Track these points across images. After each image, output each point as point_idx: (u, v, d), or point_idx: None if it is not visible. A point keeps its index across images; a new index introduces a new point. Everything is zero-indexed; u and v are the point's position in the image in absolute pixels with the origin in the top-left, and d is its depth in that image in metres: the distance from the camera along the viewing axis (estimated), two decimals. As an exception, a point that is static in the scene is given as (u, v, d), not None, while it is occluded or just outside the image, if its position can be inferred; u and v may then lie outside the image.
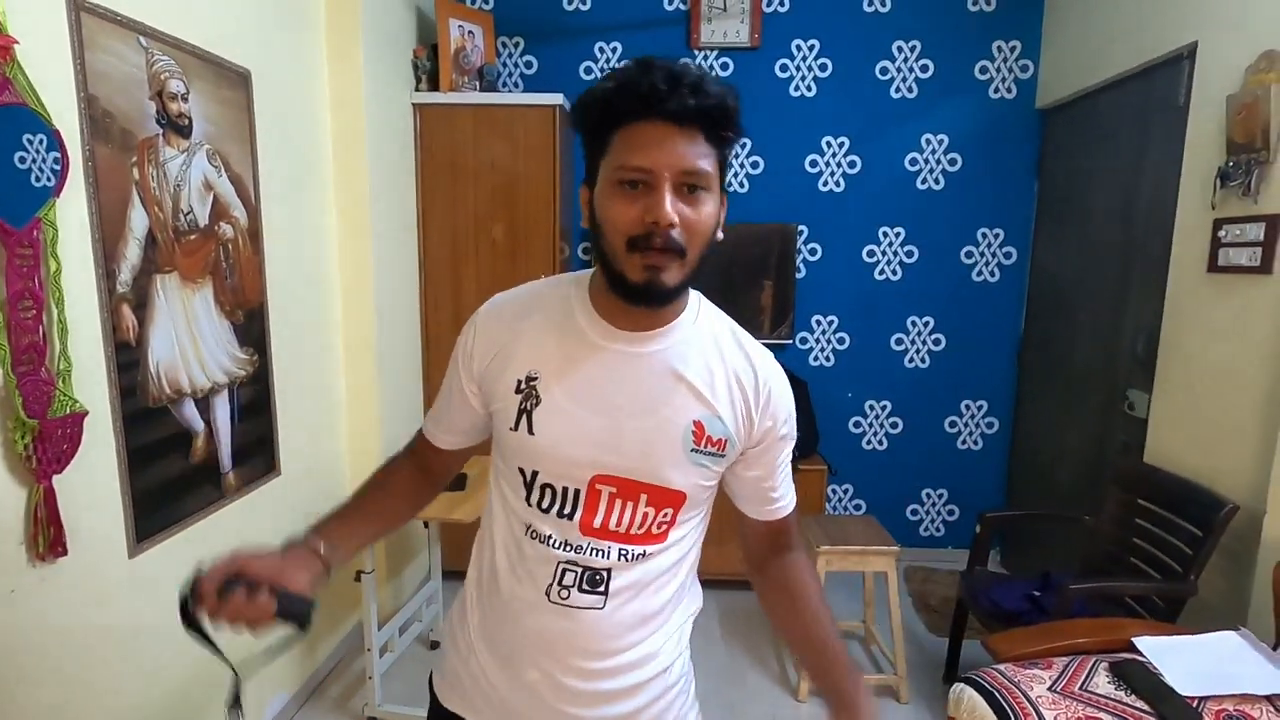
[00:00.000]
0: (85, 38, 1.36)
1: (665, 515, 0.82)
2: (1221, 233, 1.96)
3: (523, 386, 0.80)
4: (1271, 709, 1.41)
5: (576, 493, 0.79)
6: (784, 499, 0.92)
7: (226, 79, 1.81)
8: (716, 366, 0.83)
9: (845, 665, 0.90)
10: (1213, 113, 2.00)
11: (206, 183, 1.75)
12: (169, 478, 1.64)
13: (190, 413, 1.71)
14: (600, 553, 0.80)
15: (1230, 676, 1.47)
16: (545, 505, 0.81)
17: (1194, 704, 1.42)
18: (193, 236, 1.70)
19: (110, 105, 1.43)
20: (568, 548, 0.80)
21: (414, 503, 0.97)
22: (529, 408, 0.80)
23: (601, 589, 0.81)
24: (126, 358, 1.49)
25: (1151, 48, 2.30)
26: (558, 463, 0.79)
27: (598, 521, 0.80)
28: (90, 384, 1.39)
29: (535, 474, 0.81)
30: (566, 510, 0.80)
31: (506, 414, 0.81)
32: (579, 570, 0.80)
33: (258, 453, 1.99)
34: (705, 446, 0.81)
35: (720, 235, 0.79)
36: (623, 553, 0.81)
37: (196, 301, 1.72)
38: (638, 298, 0.76)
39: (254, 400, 1.96)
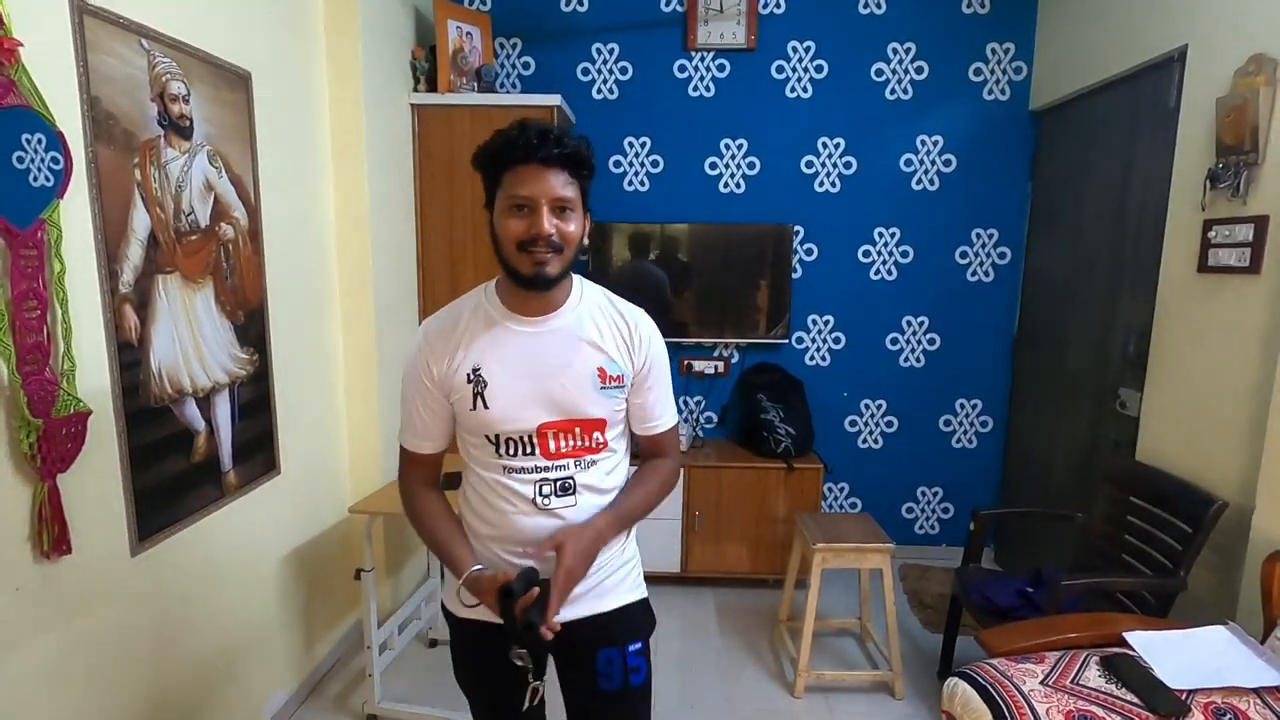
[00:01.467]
0: (88, 40, 1.37)
1: (597, 435, 1.15)
2: (1211, 233, 1.98)
3: (471, 377, 1.11)
4: (1259, 701, 1.43)
5: (530, 436, 1.11)
6: (660, 420, 1.24)
7: (227, 80, 1.82)
8: (603, 324, 1.16)
9: (600, 518, 1.13)
10: (1202, 115, 2.03)
11: (207, 183, 1.76)
12: (170, 477, 1.65)
13: (191, 412, 1.72)
14: (562, 467, 1.13)
15: (1219, 670, 1.49)
16: (512, 451, 1.12)
17: (1183, 696, 1.44)
18: (194, 237, 1.71)
19: (113, 107, 1.44)
20: (538, 470, 1.12)
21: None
22: (480, 390, 1.10)
23: (571, 492, 1.14)
24: (129, 357, 1.50)
25: (1142, 51, 2.33)
26: (510, 423, 1.11)
27: (553, 448, 1.12)
28: (93, 384, 1.40)
29: (498, 435, 1.12)
30: (528, 450, 1.12)
31: (465, 400, 1.11)
32: (552, 483, 1.13)
33: (258, 452, 2.00)
34: (609, 384, 1.14)
35: (586, 241, 1.13)
36: (577, 463, 1.14)
37: (198, 301, 1.73)
38: (529, 285, 1.08)
39: (254, 399, 1.97)
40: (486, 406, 1.09)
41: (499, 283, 1.15)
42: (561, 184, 1.04)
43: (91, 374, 1.40)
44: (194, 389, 1.72)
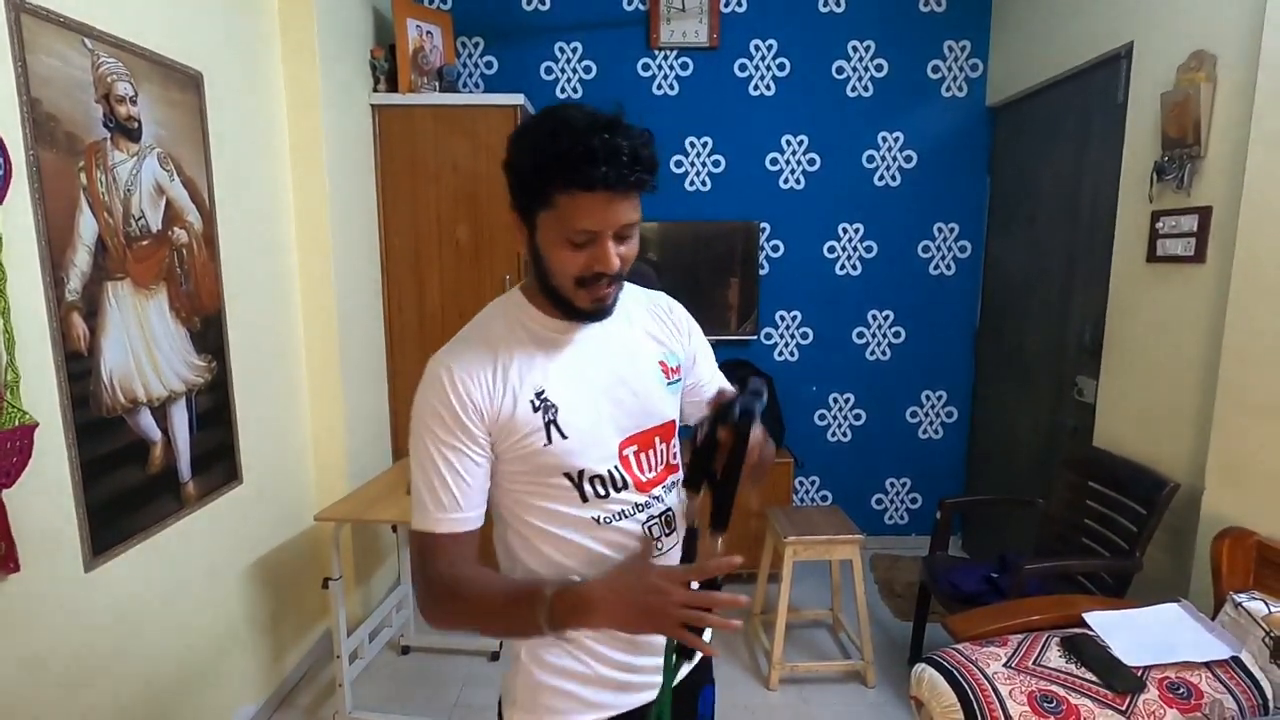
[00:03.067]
0: (26, 39, 1.33)
1: (673, 443, 0.97)
2: (1159, 224, 2.05)
3: (538, 404, 0.86)
4: (1211, 675, 1.49)
5: (616, 467, 0.89)
6: (715, 380, 1.09)
7: (177, 81, 1.78)
8: (645, 313, 1.00)
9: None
10: (1148, 109, 2.09)
11: (158, 187, 1.71)
12: (126, 489, 1.60)
13: (146, 422, 1.67)
14: (660, 498, 0.93)
15: (1172, 646, 1.55)
16: (602, 492, 0.89)
17: (1139, 673, 1.49)
18: (145, 242, 1.67)
19: (54, 109, 1.40)
20: (640, 509, 0.91)
21: None
22: (552, 417, 0.87)
23: (673, 525, 0.95)
24: (78, 367, 1.46)
25: (1091, 48, 2.39)
26: (594, 447, 0.88)
27: (644, 476, 0.92)
28: (40, 395, 1.36)
29: (582, 472, 0.87)
30: (619, 485, 0.89)
31: (534, 435, 0.86)
32: (659, 520, 0.93)
33: (218, 461, 1.95)
34: (671, 377, 0.98)
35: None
36: (666, 488, 0.94)
37: (151, 308, 1.69)
38: (586, 319, 0.89)
39: (213, 408, 1.93)
40: (565, 436, 0.86)
41: (527, 290, 0.92)
42: (629, 208, 0.81)
43: (38, 385, 1.35)
44: (149, 398, 1.67)
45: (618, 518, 0.90)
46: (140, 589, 1.65)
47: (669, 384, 0.97)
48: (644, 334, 0.97)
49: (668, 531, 0.93)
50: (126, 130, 1.61)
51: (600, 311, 0.87)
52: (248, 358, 2.07)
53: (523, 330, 0.90)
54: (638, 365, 0.94)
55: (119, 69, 1.58)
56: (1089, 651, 1.55)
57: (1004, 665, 1.54)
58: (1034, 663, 1.55)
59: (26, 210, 1.34)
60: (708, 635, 0.86)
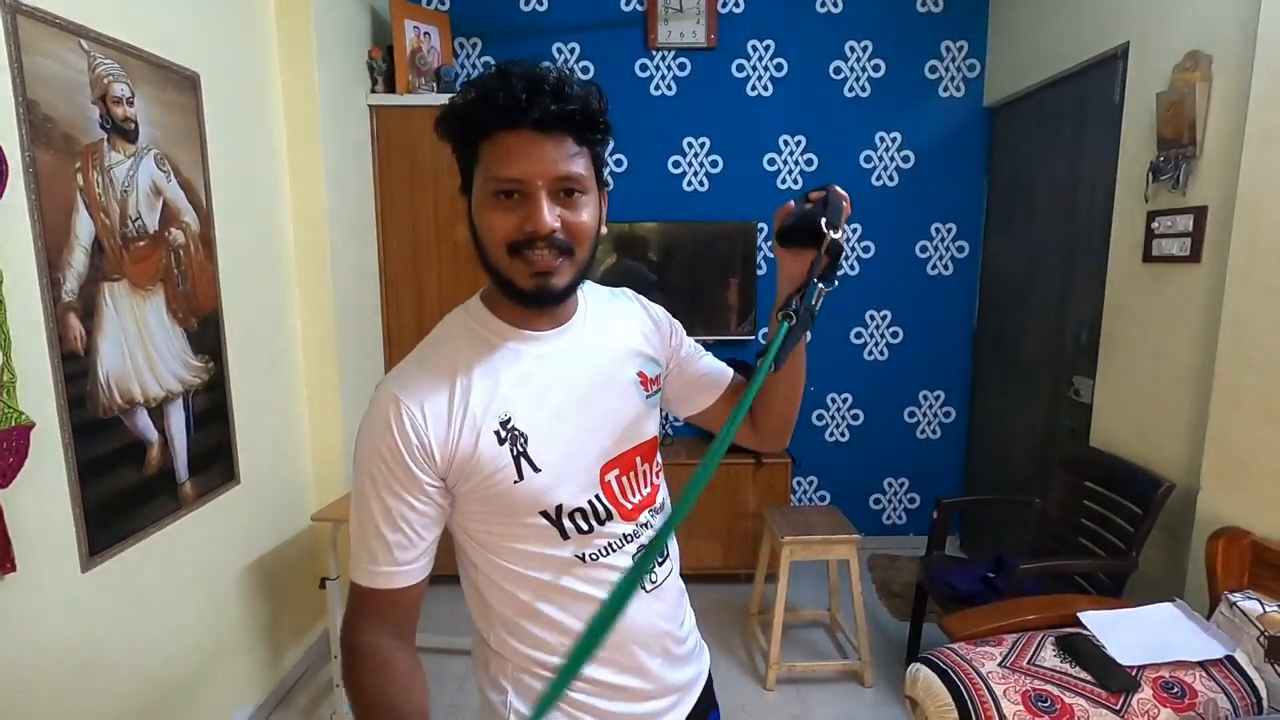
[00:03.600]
0: (22, 41, 1.33)
1: (655, 462, 0.88)
2: (1155, 224, 2.05)
3: (504, 435, 0.75)
4: (1204, 674, 1.49)
5: (597, 496, 0.79)
6: (724, 367, 1.00)
7: (174, 82, 1.78)
8: (619, 317, 0.89)
9: None
10: (1144, 109, 2.09)
11: (155, 188, 1.72)
12: (122, 489, 1.61)
13: (143, 422, 1.68)
14: (648, 524, 0.84)
15: (1167, 646, 1.55)
16: (585, 527, 0.78)
17: (1133, 672, 1.49)
18: (142, 243, 1.67)
19: (51, 110, 1.40)
20: (629, 540, 0.81)
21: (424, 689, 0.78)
22: (521, 449, 0.75)
23: (666, 553, 0.86)
24: (75, 368, 1.46)
25: (1087, 48, 2.40)
26: (571, 479, 0.78)
27: (629, 502, 0.82)
28: (37, 395, 1.36)
29: (559, 507, 0.77)
30: (602, 516, 0.79)
31: (504, 472, 0.75)
32: (647, 549, 0.83)
33: (216, 461, 1.96)
34: (651, 389, 0.88)
35: (604, 230, 0.80)
36: (652, 512, 0.85)
37: (148, 309, 1.69)
38: (530, 302, 0.76)
39: (210, 408, 1.93)
40: (537, 469, 0.75)
41: (485, 296, 0.82)
42: (566, 156, 0.71)
43: (34, 386, 1.36)
44: (145, 399, 1.68)
45: (604, 553, 0.79)
46: (137, 589, 1.65)
47: (648, 397, 0.87)
48: (621, 342, 0.86)
49: (660, 560, 0.85)
50: (123, 131, 1.61)
51: (546, 292, 0.74)
52: (245, 358, 2.08)
53: (483, 344, 0.78)
54: (615, 379, 0.83)
55: (116, 70, 1.58)
56: (1084, 651, 1.55)
57: (998, 665, 1.55)
58: (1028, 662, 1.55)
59: (23, 211, 1.34)
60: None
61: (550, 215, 0.71)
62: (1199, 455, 1.86)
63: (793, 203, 0.83)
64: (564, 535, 0.78)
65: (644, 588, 0.83)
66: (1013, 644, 1.61)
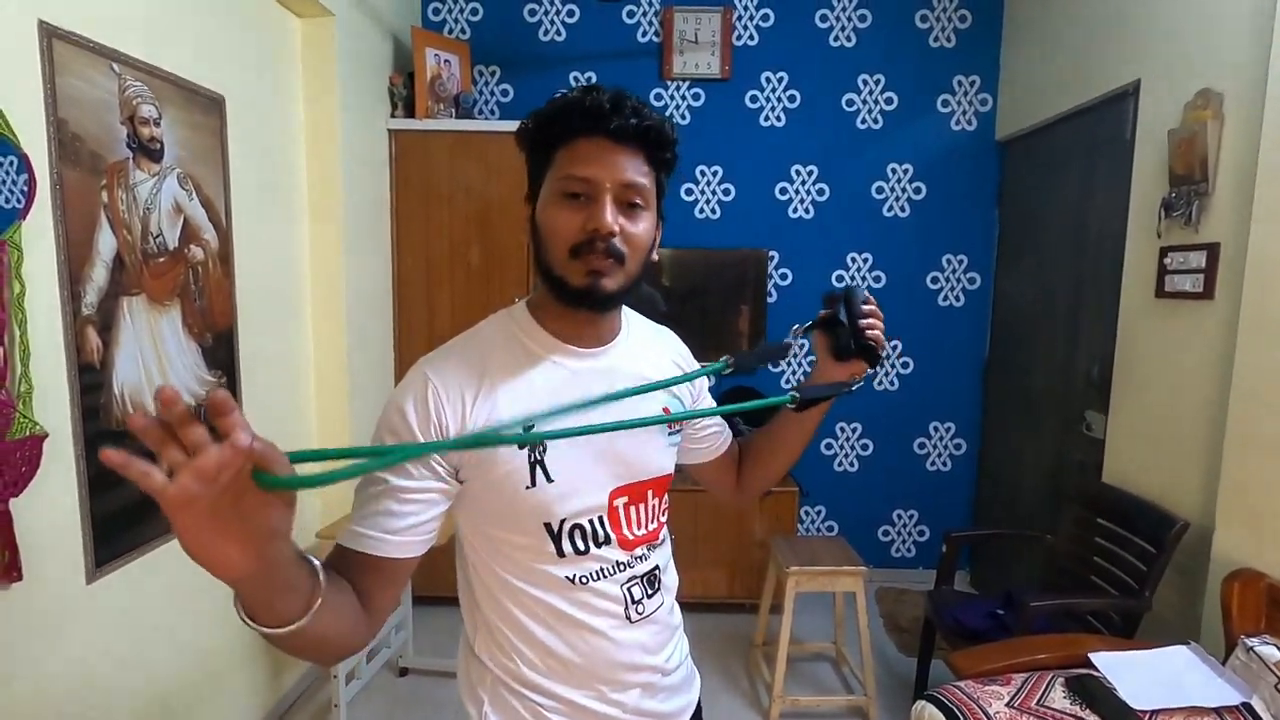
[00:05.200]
0: (57, 63, 1.38)
1: (664, 499, 0.90)
2: (1167, 260, 2.04)
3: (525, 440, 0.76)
4: (1220, 721, 1.45)
5: (600, 519, 0.81)
6: (727, 431, 1.05)
7: (200, 104, 1.83)
8: (659, 352, 0.92)
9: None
10: (1156, 146, 2.10)
11: (177, 206, 1.76)
12: (131, 502, 1.62)
13: (155, 435, 1.69)
14: (644, 557, 0.85)
15: (1181, 690, 1.51)
16: (581, 547, 0.80)
17: (1146, 717, 1.45)
18: (161, 259, 1.71)
19: (80, 129, 1.45)
20: (621, 568, 0.83)
21: (349, 628, 0.68)
22: (539, 456, 0.77)
23: (656, 585, 0.87)
24: (90, 380, 1.48)
25: (1098, 84, 2.41)
26: (581, 497, 0.79)
27: (631, 533, 0.83)
28: (52, 406, 1.38)
29: (563, 521, 0.78)
30: (600, 538, 0.81)
31: (518, 475, 0.76)
32: (640, 580, 0.85)
33: (224, 476, 1.96)
34: (674, 428, 0.90)
35: (655, 256, 0.83)
36: (651, 547, 0.86)
37: (164, 324, 1.72)
38: (579, 301, 0.77)
39: (221, 423, 1.94)
40: (551, 479, 0.77)
41: (533, 304, 0.84)
42: (634, 168, 0.76)
43: (50, 396, 1.38)
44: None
45: (595, 577, 0.80)
46: (140, 603, 1.65)
47: (670, 434, 0.89)
48: (655, 372, 0.88)
49: (650, 593, 0.85)
50: (149, 151, 1.65)
51: (596, 292, 0.76)
52: (257, 374, 2.10)
53: (520, 349, 0.81)
54: (640, 414, 0.81)
55: (144, 92, 1.63)
56: (1095, 693, 1.51)
57: (1006, 704, 1.51)
58: (1037, 703, 1.51)
59: (48, 226, 1.38)
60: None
61: (610, 216, 0.74)
62: (1213, 493, 1.83)
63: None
64: (560, 553, 0.79)
65: (629, 617, 0.83)
66: (1021, 684, 1.58)
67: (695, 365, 0.98)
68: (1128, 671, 1.57)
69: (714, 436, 1.03)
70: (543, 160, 0.79)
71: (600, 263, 0.75)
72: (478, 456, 0.76)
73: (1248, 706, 1.47)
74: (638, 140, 0.75)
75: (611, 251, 0.75)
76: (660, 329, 0.97)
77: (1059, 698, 1.52)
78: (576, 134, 0.75)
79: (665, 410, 0.88)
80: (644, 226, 0.78)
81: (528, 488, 0.76)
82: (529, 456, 0.76)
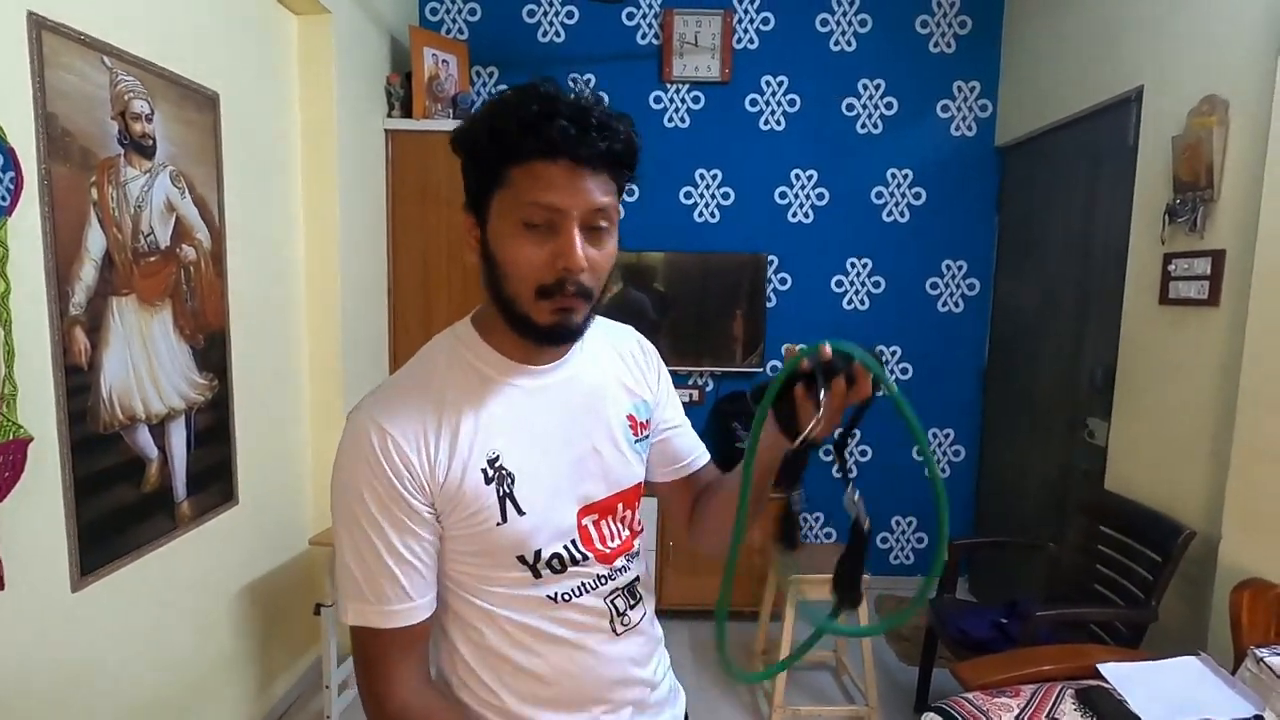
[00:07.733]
0: (46, 56, 1.34)
1: (637, 508, 0.85)
2: (1171, 266, 2.03)
3: (491, 475, 0.73)
4: (1232, 734, 1.42)
5: (573, 542, 0.77)
6: (698, 449, 0.95)
7: (193, 101, 1.79)
8: (614, 356, 0.87)
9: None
10: (1160, 152, 2.09)
11: (169, 204, 1.72)
12: (118, 507, 1.57)
13: (144, 439, 1.65)
14: (624, 568, 0.82)
15: (1192, 701, 1.48)
16: (559, 568, 0.76)
17: (1158, 730, 1.43)
18: (153, 258, 1.66)
19: (70, 124, 1.41)
20: (603, 581, 0.79)
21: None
22: (508, 490, 0.73)
23: (638, 595, 0.84)
24: (77, 382, 1.44)
25: (1101, 91, 2.40)
26: (552, 523, 0.76)
27: (606, 547, 0.80)
28: (37, 409, 1.34)
29: (538, 553, 0.75)
30: (577, 559, 0.77)
31: (488, 513, 0.72)
32: (623, 591, 0.82)
33: (215, 481, 1.92)
34: (640, 433, 0.85)
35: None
36: (629, 557, 0.83)
37: (154, 324, 1.68)
38: (546, 340, 0.74)
39: (212, 427, 1.90)
40: (522, 512, 0.73)
41: (480, 324, 0.78)
42: (601, 188, 0.69)
43: (35, 399, 1.33)
44: (147, 415, 1.65)
45: (576, 593, 0.77)
46: (128, 611, 1.60)
47: (637, 441, 0.84)
48: (614, 381, 0.84)
49: (633, 603, 0.82)
50: (140, 147, 1.61)
51: (563, 331, 0.72)
52: (250, 376, 2.06)
53: (472, 375, 0.75)
54: (606, 420, 0.80)
55: (137, 87, 1.59)
56: (1106, 706, 1.49)
57: (1016, 717, 1.48)
58: (1048, 716, 1.49)
59: (35, 223, 1.33)
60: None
61: (581, 250, 0.68)
62: (1219, 502, 1.81)
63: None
64: (537, 575, 0.76)
65: (615, 630, 0.81)
66: (1030, 695, 1.55)
67: (653, 351, 0.92)
68: (1138, 683, 1.55)
69: (677, 453, 0.93)
70: (490, 174, 0.70)
71: (570, 302, 0.70)
72: (449, 501, 0.72)
73: (1259, 719, 1.44)
74: (605, 162, 0.68)
75: (581, 291, 0.70)
76: (619, 329, 0.91)
77: (1070, 710, 1.50)
78: (537, 157, 0.67)
79: (630, 418, 0.83)
80: (610, 248, 0.72)
81: (498, 524, 0.73)
82: (497, 491, 0.73)
